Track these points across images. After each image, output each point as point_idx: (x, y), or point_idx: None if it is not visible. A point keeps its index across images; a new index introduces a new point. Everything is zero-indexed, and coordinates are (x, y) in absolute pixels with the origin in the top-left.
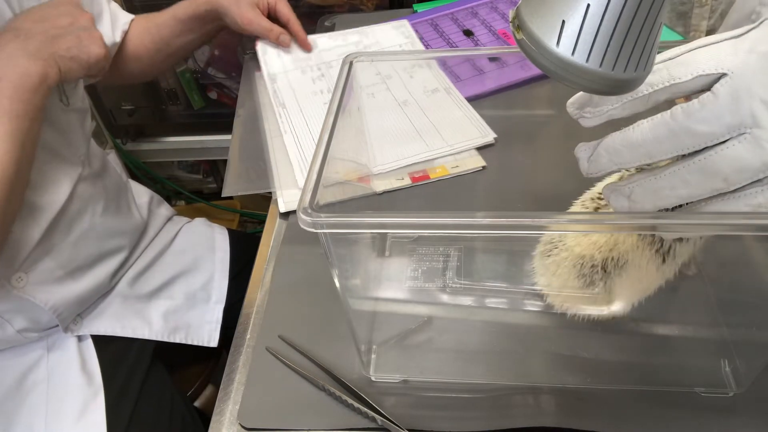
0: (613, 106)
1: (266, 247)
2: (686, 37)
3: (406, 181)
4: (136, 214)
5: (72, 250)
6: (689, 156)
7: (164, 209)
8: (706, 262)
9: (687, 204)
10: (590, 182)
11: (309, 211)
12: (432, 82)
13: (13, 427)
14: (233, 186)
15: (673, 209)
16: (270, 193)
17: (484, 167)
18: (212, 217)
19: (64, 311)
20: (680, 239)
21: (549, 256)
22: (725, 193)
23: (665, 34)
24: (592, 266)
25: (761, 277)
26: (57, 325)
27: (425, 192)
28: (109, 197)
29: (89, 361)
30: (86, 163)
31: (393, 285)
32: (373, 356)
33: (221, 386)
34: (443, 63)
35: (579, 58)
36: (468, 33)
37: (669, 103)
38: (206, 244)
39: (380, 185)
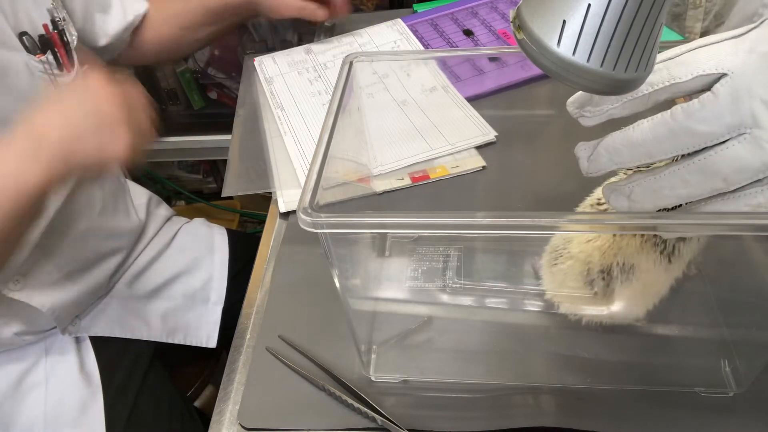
0: (613, 105)
1: (266, 247)
2: (685, 39)
3: (406, 181)
4: (134, 216)
5: (69, 252)
6: (689, 156)
7: (163, 210)
8: (706, 262)
9: (687, 204)
10: (590, 182)
11: (309, 211)
12: (430, 81)
13: (11, 429)
14: (233, 186)
15: (672, 209)
16: (270, 193)
17: (484, 167)
18: (212, 217)
19: (62, 313)
20: (683, 238)
21: (555, 264)
22: (725, 193)
23: (665, 34)
24: (599, 272)
25: (761, 277)
26: (55, 327)
27: (425, 192)
28: (106, 198)
29: (87, 362)
30: None
31: (393, 285)
32: (373, 356)
33: (221, 386)
34: (443, 63)
35: (580, 58)
36: (468, 33)
37: (669, 103)
38: (205, 244)
39: (380, 185)
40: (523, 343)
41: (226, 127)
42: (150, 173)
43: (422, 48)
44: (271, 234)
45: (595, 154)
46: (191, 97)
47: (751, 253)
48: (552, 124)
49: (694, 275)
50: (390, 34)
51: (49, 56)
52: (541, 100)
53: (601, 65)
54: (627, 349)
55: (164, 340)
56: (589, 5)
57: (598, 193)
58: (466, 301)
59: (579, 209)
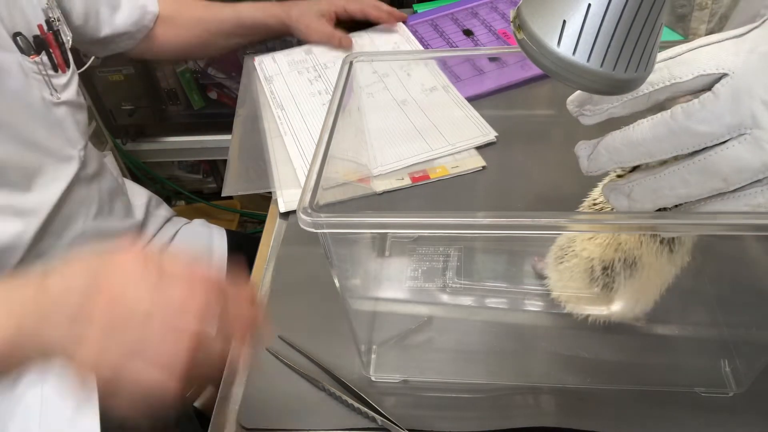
0: (613, 104)
1: (266, 247)
2: (686, 39)
3: (406, 181)
4: (131, 217)
5: (65, 254)
6: (689, 155)
7: (163, 210)
8: (705, 262)
9: (686, 203)
10: (591, 182)
11: (309, 211)
12: (430, 81)
13: (7, 429)
14: (233, 186)
15: (672, 208)
16: (270, 193)
17: (484, 167)
18: (212, 217)
19: None
20: None
21: (561, 263)
22: (725, 193)
23: (666, 35)
24: (603, 269)
25: (761, 277)
26: None
27: (425, 192)
28: (103, 200)
29: None
30: (84, 163)
31: (393, 285)
32: (373, 356)
33: (221, 386)
34: (443, 63)
35: (580, 58)
36: (468, 33)
37: (669, 102)
38: (204, 245)
39: (380, 185)
40: (523, 343)
41: (226, 127)
42: (150, 173)
43: (417, 44)
44: (271, 234)
45: (595, 153)
46: (191, 97)
47: (751, 253)
48: (552, 124)
49: (698, 265)
50: (390, 36)
51: (44, 57)
52: (541, 100)
53: (602, 65)
54: (627, 349)
55: None
56: (590, 5)
57: (594, 194)
58: (466, 301)
59: (581, 207)
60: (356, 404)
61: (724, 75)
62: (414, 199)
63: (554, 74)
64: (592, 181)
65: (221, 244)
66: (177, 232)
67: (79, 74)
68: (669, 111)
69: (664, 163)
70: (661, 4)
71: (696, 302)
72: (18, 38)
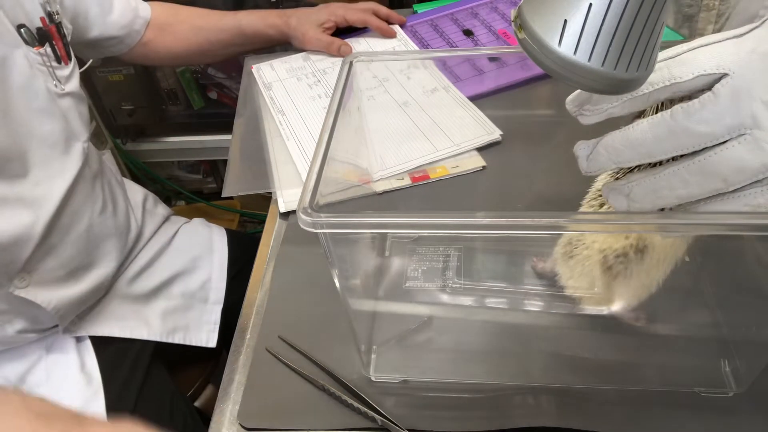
0: (612, 104)
1: (266, 247)
2: (691, 39)
3: (406, 181)
4: (132, 214)
5: (72, 250)
6: (689, 156)
7: (161, 209)
8: (705, 262)
9: (686, 204)
10: (591, 181)
11: (309, 211)
12: (430, 82)
13: None
14: (233, 186)
15: (673, 208)
16: (270, 193)
17: (484, 167)
18: (212, 218)
19: (66, 312)
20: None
21: (572, 257)
22: (725, 194)
23: (667, 35)
24: (616, 257)
25: (761, 277)
26: (56, 326)
27: (425, 192)
28: (106, 196)
29: (88, 362)
30: (87, 157)
31: (393, 285)
32: (373, 356)
33: (221, 386)
34: (443, 63)
35: (581, 58)
36: (468, 33)
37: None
38: (204, 244)
39: (380, 185)
40: (523, 343)
41: (226, 127)
42: (150, 173)
43: (417, 49)
44: (271, 234)
45: (594, 153)
46: (191, 97)
47: (751, 253)
48: (552, 123)
49: (698, 265)
50: (388, 41)
51: (47, 48)
52: (541, 100)
53: (602, 65)
54: (627, 349)
55: (164, 339)
56: (591, 5)
57: (597, 184)
58: (466, 301)
59: (585, 202)
60: (356, 404)
61: (725, 75)
62: (414, 199)
63: (555, 74)
64: (591, 181)
65: (221, 243)
66: (177, 231)
67: (79, 73)
68: (669, 111)
69: (663, 163)
70: (662, 4)
71: (696, 302)
72: (22, 30)
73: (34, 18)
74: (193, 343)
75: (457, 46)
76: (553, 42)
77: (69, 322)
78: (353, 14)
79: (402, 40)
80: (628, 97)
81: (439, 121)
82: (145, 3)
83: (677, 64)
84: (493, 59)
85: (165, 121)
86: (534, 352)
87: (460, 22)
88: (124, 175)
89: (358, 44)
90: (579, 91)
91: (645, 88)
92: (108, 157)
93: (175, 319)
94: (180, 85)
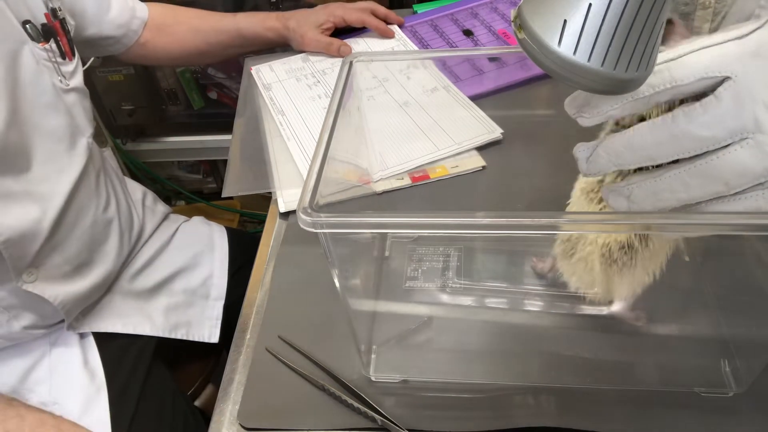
0: (612, 107)
1: (266, 247)
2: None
3: (406, 181)
4: (134, 211)
5: (78, 245)
6: (690, 159)
7: (160, 206)
8: (705, 262)
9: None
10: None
11: (309, 211)
12: (430, 82)
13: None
14: (233, 186)
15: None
16: (270, 193)
17: (484, 167)
18: (212, 217)
19: (72, 307)
20: None
21: (572, 254)
22: (726, 196)
23: None
24: (620, 249)
25: (761, 277)
26: (60, 322)
27: (425, 192)
28: (109, 193)
29: (91, 358)
30: (91, 152)
31: (393, 285)
32: (373, 356)
33: (221, 386)
34: (443, 63)
35: (580, 58)
36: (468, 33)
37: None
38: (205, 241)
39: (380, 185)
40: (523, 343)
41: (226, 127)
42: (150, 173)
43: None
44: (271, 234)
45: (594, 156)
46: (191, 97)
47: (751, 253)
48: (552, 123)
49: (698, 265)
50: (387, 42)
51: (52, 44)
52: (540, 100)
53: (602, 65)
54: (627, 349)
55: (167, 335)
56: (590, 5)
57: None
58: (466, 301)
59: (572, 195)
60: (356, 404)
61: (727, 78)
62: (414, 199)
63: (555, 74)
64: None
65: (222, 240)
66: (177, 229)
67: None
68: (670, 114)
69: (664, 165)
70: (661, 3)
71: (696, 302)
72: (27, 26)
73: (38, 14)
74: (196, 339)
75: (457, 46)
76: (552, 42)
77: (73, 317)
78: (351, 14)
79: (401, 40)
80: (628, 99)
81: (440, 121)
82: (143, 3)
83: (678, 66)
84: (493, 59)
85: (165, 121)
86: (534, 352)
87: (460, 22)
88: (124, 175)
89: (357, 44)
90: (577, 93)
91: (646, 91)
92: (109, 154)
93: (178, 315)
94: (180, 85)
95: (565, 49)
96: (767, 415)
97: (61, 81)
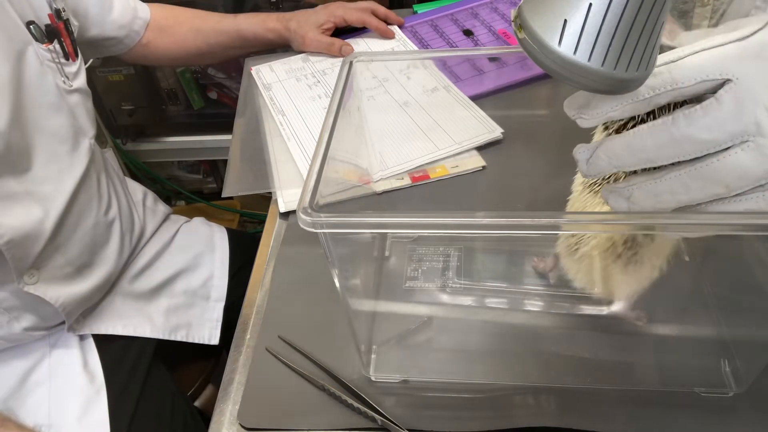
0: (612, 108)
1: (266, 248)
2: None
3: (406, 181)
4: (135, 212)
5: (79, 247)
6: (691, 161)
7: (161, 206)
8: (705, 262)
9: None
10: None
11: (309, 211)
12: (430, 82)
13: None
14: (233, 186)
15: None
16: (270, 193)
17: (484, 167)
18: (212, 217)
19: (73, 309)
20: None
21: (576, 250)
22: (726, 198)
23: None
24: (624, 243)
25: (761, 277)
26: (61, 323)
27: (425, 192)
28: (110, 194)
29: (91, 360)
30: (94, 153)
31: (393, 285)
32: (373, 356)
33: (221, 386)
34: (443, 63)
35: (581, 57)
36: (468, 33)
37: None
38: (205, 242)
39: (380, 185)
40: (523, 343)
41: (226, 127)
42: (150, 173)
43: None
44: (271, 234)
45: (594, 157)
46: (191, 97)
47: (751, 253)
48: (552, 123)
49: (698, 265)
50: (387, 42)
51: (56, 45)
52: (541, 100)
53: (602, 64)
54: (627, 349)
55: (167, 337)
56: (591, 4)
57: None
58: (466, 301)
59: (573, 188)
60: (356, 404)
61: (728, 81)
62: (414, 199)
63: (555, 74)
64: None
65: (222, 241)
66: (178, 230)
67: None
68: (670, 117)
69: (665, 166)
70: (661, 3)
71: (696, 302)
72: (31, 26)
73: (42, 15)
74: (196, 341)
75: (457, 46)
76: (553, 42)
77: (74, 319)
78: (352, 14)
79: (400, 41)
80: (628, 101)
81: (440, 120)
82: (144, 4)
83: (679, 68)
84: (493, 59)
85: (165, 121)
86: (534, 352)
87: (460, 22)
88: (124, 175)
89: (357, 45)
90: (577, 93)
91: (646, 92)
92: (110, 155)
93: (178, 316)
94: (180, 85)
95: (566, 48)
96: (767, 415)
97: (64, 82)
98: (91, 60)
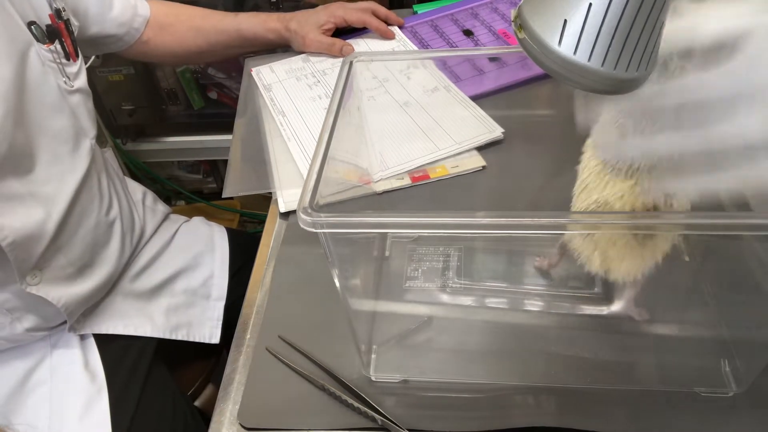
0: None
1: (266, 248)
2: None
3: (406, 181)
4: (135, 212)
5: (81, 247)
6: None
7: (160, 206)
8: (705, 262)
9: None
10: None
11: (309, 210)
12: (430, 82)
13: (17, 426)
14: (234, 186)
15: None
16: (270, 193)
17: (484, 167)
18: (212, 217)
19: (74, 309)
20: None
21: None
22: (718, 159)
23: None
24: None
25: (761, 277)
26: (62, 323)
27: (425, 192)
28: (111, 194)
29: (92, 360)
30: (95, 154)
31: (393, 285)
32: (373, 356)
33: (221, 386)
34: (443, 63)
35: (581, 58)
36: (468, 33)
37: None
38: (205, 241)
39: (380, 185)
40: (523, 343)
41: (226, 127)
42: (150, 173)
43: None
44: (271, 234)
45: (617, 150)
46: (191, 97)
47: (751, 253)
48: (552, 123)
49: (698, 265)
50: (386, 42)
51: (57, 45)
52: (541, 100)
53: (602, 65)
54: (627, 349)
55: (167, 336)
56: (591, 4)
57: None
58: (466, 301)
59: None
60: (356, 404)
61: (747, 34)
62: (414, 199)
63: (555, 74)
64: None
65: (222, 241)
66: (177, 229)
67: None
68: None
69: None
70: (661, 3)
71: (696, 302)
72: (32, 27)
73: (43, 15)
74: (197, 340)
75: (457, 47)
76: (553, 42)
77: (75, 319)
78: (352, 14)
79: (400, 41)
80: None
81: (441, 120)
82: (144, 1)
83: (698, 16)
84: (493, 59)
85: (165, 121)
86: (534, 352)
87: (460, 22)
88: (124, 175)
89: (357, 45)
90: (600, 138)
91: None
92: (110, 155)
93: (179, 315)
94: (180, 85)
95: (566, 49)
96: (767, 415)
97: (65, 82)
98: (91, 59)
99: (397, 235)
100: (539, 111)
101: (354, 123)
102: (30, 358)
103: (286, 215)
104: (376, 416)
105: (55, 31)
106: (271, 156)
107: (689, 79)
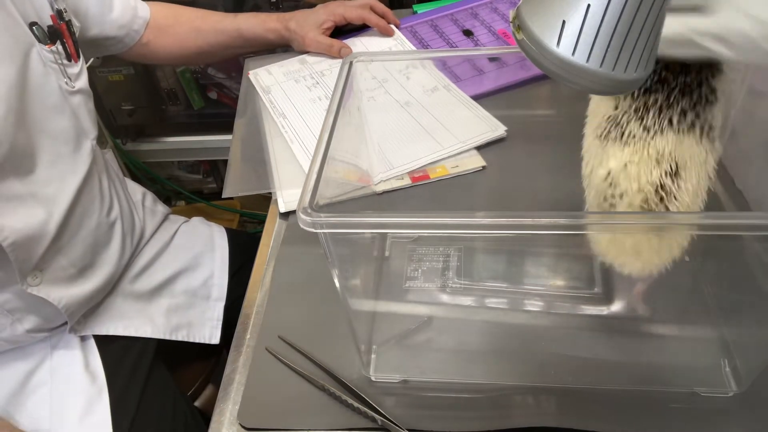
0: None
1: (266, 248)
2: None
3: (406, 181)
4: (135, 212)
5: (82, 248)
6: None
7: (160, 206)
8: (705, 262)
9: None
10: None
11: (309, 211)
12: (430, 81)
13: (17, 427)
14: (234, 186)
15: None
16: (270, 193)
17: (484, 167)
18: (212, 217)
19: (75, 310)
20: (707, 101)
21: (612, 205)
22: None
23: None
24: (656, 192)
25: (761, 277)
26: (62, 324)
27: (425, 192)
28: (111, 195)
29: (92, 361)
30: (95, 155)
31: (393, 285)
32: (373, 356)
33: (221, 386)
34: (443, 63)
35: (579, 59)
36: (468, 33)
37: None
38: (205, 242)
39: (380, 185)
40: (523, 343)
41: (226, 127)
42: (150, 173)
43: (413, 48)
44: (271, 234)
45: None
46: (191, 97)
47: (751, 253)
48: (552, 123)
49: (697, 265)
50: (385, 40)
51: (59, 46)
52: (540, 100)
53: (601, 65)
54: (627, 349)
55: (168, 337)
56: (589, 5)
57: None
58: (466, 301)
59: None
60: (356, 404)
61: None
62: (414, 199)
63: (554, 75)
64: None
65: (222, 241)
66: (177, 230)
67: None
68: None
69: None
70: (660, 4)
71: (696, 302)
72: (34, 27)
73: (44, 15)
74: (197, 340)
75: (456, 47)
76: (551, 43)
77: (75, 320)
78: (352, 11)
79: (399, 41)
80: None
81: (442, 120)
82: (144, 3)
83: None
84: (493, 59)
85: (165, 121)
86: (534, 352)
87: (459, 22)
88: (124, 175)
89: (354, 45)
90: None
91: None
92: (110, 156)
93: (179, 316)
94: (180, 85)
95: (564, 49)
96: (767, 415)
97: (66, 83)
98: (91, 59)
99: (397, 235)
100: (539, 111)
101: (354, 123)
102: (30, 360)
103: (286, 215)
104: (376, 416)
105: (57, 32)
106: (271, 156)
107: None
